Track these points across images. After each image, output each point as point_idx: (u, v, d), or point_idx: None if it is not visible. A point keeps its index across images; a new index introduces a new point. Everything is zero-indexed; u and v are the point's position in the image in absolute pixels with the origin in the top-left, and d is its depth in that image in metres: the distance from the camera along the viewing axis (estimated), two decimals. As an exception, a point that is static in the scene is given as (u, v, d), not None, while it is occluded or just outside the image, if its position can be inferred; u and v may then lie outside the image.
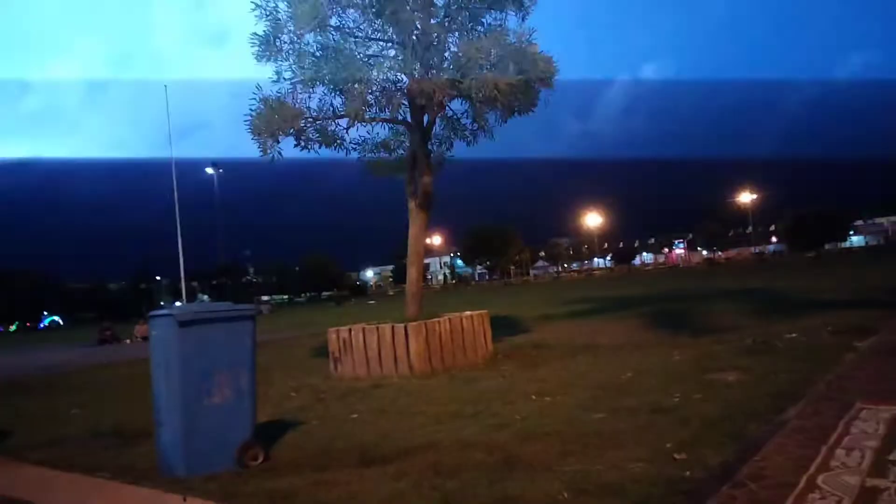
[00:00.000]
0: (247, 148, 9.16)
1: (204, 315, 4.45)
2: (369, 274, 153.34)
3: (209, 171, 66.01)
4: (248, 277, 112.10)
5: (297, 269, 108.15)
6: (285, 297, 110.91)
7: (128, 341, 25.42)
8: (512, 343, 10.61)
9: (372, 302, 62.32)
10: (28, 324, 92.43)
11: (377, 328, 8.54)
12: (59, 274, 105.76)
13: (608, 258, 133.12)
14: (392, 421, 5.64)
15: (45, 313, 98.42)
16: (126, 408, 7.72)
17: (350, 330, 8.76)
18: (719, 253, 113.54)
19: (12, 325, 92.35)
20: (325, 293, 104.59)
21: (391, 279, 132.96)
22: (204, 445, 4.33)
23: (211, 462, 4.34)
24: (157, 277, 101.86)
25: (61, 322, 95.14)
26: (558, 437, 4.46)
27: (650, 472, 3.54)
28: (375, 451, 4.60)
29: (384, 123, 9.62)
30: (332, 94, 9.20)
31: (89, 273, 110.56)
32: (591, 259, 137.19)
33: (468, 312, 9.27)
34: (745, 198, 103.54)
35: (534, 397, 6.03)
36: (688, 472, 3.50)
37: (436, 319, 8.67)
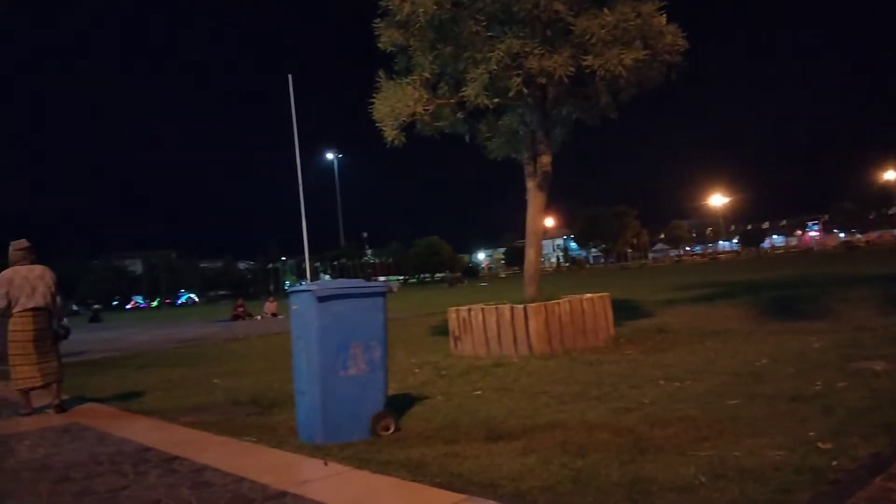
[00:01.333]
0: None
1: (340, 291, 4.67)
2: (481, 256, 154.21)
3: (329, 156, 68.63)
4: (366, 258, 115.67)
5: (411, 250, 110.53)
6: (400, 277, 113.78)
7: (258, 318, 26.96)
8: (633, 327, 10.37)
9: (484, 284, 62.69)
10: (167, 300, 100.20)
11: (496, 308, 8.61)
12: (196, 253, 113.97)
13: (735, 241, 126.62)
14: (515, 399, 5.69)
15: (182, 291, 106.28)
16: (261, 379, 8.25)
17: (469, 310, 8.88)
18: (858, 235, 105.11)
19: (154, 301, 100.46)
20: (437, 275, 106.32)
21: (503, 261, 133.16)
22: (340, 415, 4.56)
23: (346, 431, 4.56)
24: (283, 258, 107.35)
25: (196, 299, 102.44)
26: (691, 423, 4.34)
27: (792, 460, 3.39)
28: (501, 427, 4.67)
29: (503, 104, 9.61)
30: (452, 76, 9.32)
31: (222, 252, 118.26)
32: (715, 242, 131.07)
33: (588, 295, 9.14)
34: (890, 175, 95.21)
35: (661, 382, 5.89)
36: (834, 462, 3.32)
37: (556, 301, 8.63)
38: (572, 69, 8.20)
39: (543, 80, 8.43)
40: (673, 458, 3.63)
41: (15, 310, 6.70)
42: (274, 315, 27.20)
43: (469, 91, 8.56)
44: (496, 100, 9.09)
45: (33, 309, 6.73)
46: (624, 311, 12.81)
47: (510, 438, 4.33)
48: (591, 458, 3.72)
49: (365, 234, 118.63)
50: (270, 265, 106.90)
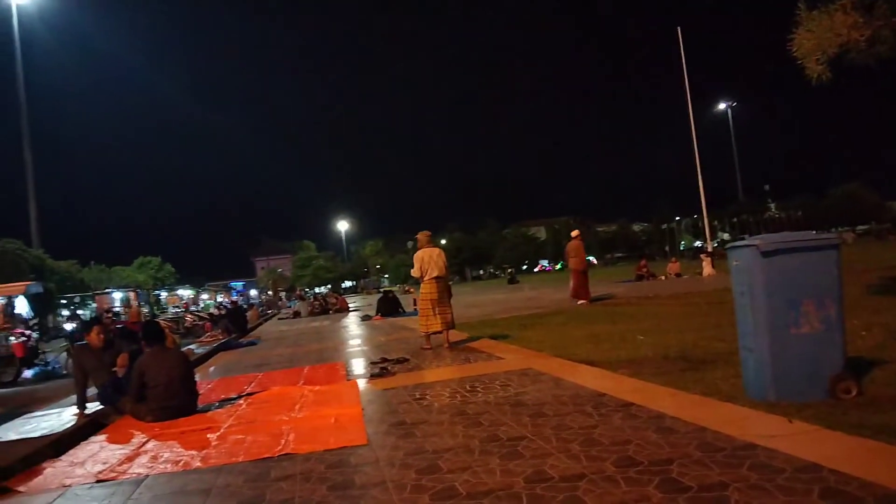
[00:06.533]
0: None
1: (787, 244, 4.45)
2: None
3: (721, 107, 64.57)
4: (769, 213, 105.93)
5: (823, 202, 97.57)
6: (812, 232, 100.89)
7: (662, 278, 26.96)
8: None
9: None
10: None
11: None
12: (593, 217, 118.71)
13: None
14: None
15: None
16: (683, 336, 8.30)
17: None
18: None
19: (558, 264, 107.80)
20: (859, 227, 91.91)
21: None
22: (792, 373, 4.38)
23: (800, 390, 4.36)
24: (677, 217, 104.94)
25: (595, 261, 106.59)
26: None
27: None
28: None
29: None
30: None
31: (615, 216, 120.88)
32: None
33: None
34: None
35: None
36: None
37: None
38: None
39: None
40: None
41: (425, 278, 9.64)
42: (678, 275, 26.93)
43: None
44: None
45: (435, 277, 9.63)
46: None
47: None
48: None
49: (767, 187, 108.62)
50: (665, 225, 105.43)
